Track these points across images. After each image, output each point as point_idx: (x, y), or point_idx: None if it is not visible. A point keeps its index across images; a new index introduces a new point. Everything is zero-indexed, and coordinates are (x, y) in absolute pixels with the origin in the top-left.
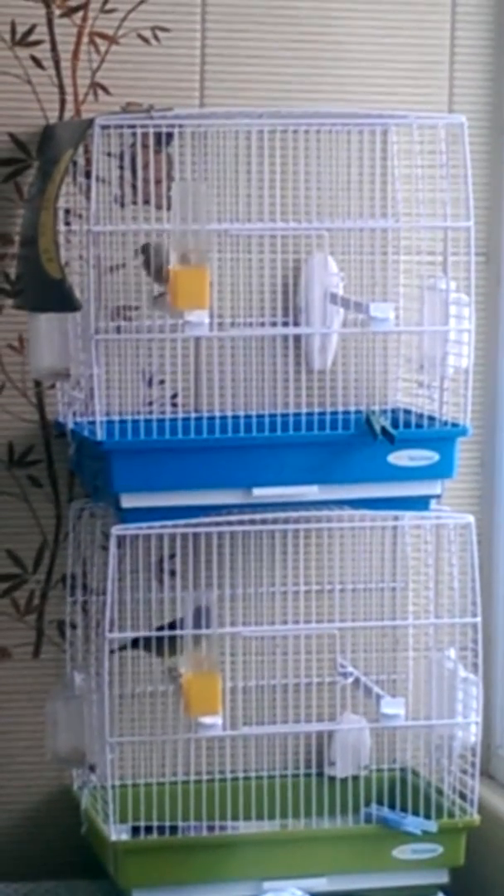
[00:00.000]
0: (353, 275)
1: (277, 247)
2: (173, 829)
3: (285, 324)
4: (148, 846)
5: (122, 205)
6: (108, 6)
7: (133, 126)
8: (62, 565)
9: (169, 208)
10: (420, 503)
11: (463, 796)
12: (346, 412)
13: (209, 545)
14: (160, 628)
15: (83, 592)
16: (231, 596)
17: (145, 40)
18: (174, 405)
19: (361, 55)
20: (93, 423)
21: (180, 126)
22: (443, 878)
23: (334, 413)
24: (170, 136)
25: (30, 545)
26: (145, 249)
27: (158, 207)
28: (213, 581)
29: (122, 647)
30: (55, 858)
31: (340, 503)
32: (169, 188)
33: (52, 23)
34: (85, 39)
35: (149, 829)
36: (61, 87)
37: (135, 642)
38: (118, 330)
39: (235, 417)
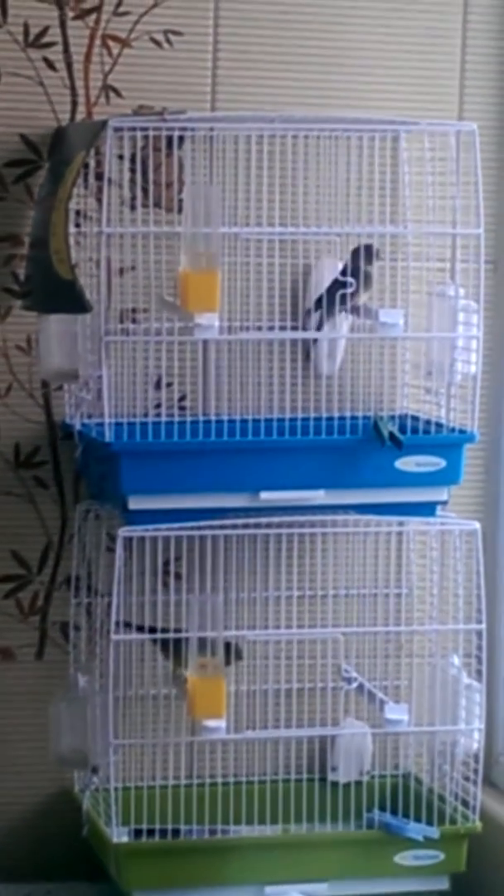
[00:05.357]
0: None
1: (287, 251)
2: (175, 833)
3: (294, 328)
4: (149, 849)
5: (133, 207)
6: (121, 9)
7: (146, 128)
8: (66, 567)
9: (180, 211)
10: (426, 509)
11: (465, 803)
12: (354, 417)
13: (215, 548)
14: (165, 630)
15: (87, 594)
16: (236, 599)
17: (158, 44)
18: (182, 408)
19: (372, 61)
20: (101, 424)
21: (192, 129)
22: (444, 884)
23: (342, 418)
24: (181, 139)
25: (35, 546)
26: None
27: (169, 210)
28: (219, 584)
29: (128, 624)
30: (56, 860)
31: (347, 508)
32: (180, 191)
33: (65, 25)
34: (97, 42)
35: (150, 832)
36: (73, 88)
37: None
38: (126, 332)
39: (243, 421)
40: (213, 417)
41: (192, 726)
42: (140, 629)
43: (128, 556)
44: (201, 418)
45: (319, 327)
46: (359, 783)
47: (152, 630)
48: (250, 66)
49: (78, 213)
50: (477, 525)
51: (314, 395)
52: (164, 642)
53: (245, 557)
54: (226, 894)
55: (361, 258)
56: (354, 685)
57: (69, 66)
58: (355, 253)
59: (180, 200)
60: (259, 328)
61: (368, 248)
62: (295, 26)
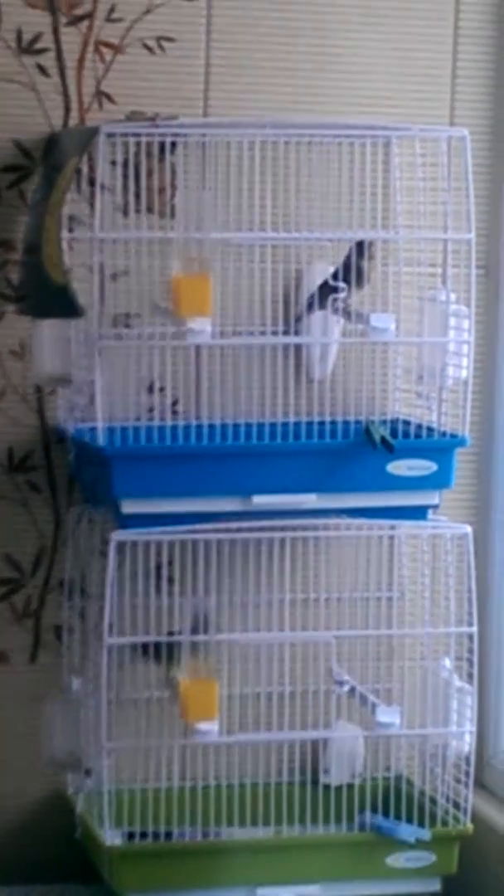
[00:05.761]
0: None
1: (279, 256)
2: (168, 835)
3: (286, 333)
4: (142, 851)
5: (126, 213)
6: (114, 15)
7: (138, 134)
8: (60, 570)
9: (172, 216)
10: (418, 513)
11: (456, 805)
12: (346, 421)
13: (208, 552)
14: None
15: (81, 597)
16: (228, 603)
17: (150, 50)
18: (175, 412)
19: (364, 67)
20: (94, 429)
21: (184, 135)
22: (435, 886)
23: (333, 422)
24: (174, 144)
25: (28, 550)
26: (361, 246)
27: (162, 216)
28: (212, 588)
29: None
30: (49, 862)
31: (339, 512)
32: (172, 196)
33: (58, 31)
34: (90, 48)
35: (143, 835)
36: (66, 94)
37: (134, 647)
38: (119, 337)
39: (235, 425)
40: (205, 422)
41: (185, 729)
42: (135, 646)
43: (121, 559)
44: (194, 423)
45: (310, 310)
46: (351, 786)
47: (145, 646)
48: (242, 71)
49: (71, 218)
50: (468, 528)
51: (306, 399)
52: (157, 647)
53: (237, 561)
54: None
55: (353, 254)
56: (346, 688)
57: (62, 72)
58: (349, 250)
59: (173, 206)
60: (251, 333)
61: (361, 244)
62: (287, 32)
